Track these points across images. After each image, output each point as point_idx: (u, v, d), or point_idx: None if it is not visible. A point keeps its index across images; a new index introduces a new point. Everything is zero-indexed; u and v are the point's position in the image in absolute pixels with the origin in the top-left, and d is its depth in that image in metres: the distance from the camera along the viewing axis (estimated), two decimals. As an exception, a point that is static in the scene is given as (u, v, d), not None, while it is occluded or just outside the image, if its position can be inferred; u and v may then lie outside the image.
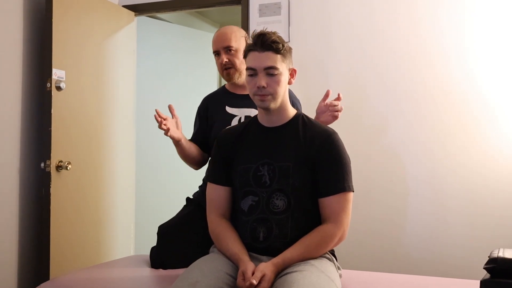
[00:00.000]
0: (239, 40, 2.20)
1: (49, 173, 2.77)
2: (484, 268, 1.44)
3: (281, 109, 1.76)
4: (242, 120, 2.17)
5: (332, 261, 1.73)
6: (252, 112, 2.16)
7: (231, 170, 1.81)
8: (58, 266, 2.77)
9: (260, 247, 1.70)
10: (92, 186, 3.13)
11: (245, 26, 3.25)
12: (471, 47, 2.81)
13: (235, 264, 1.66)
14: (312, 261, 1.63)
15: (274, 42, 1.69)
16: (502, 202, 2.71)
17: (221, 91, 2.32)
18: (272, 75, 1.69)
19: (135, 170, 3.52)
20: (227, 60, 2.19)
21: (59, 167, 2.81)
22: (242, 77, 2.20)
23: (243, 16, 3.28)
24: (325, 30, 3.09)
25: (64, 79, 2.86)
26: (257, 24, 3.20)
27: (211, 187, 1.84)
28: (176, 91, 4.10)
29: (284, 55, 1.72)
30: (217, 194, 1.82)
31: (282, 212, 1.70)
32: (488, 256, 1.46)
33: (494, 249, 1.53)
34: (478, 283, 1.45)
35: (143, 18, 3.84)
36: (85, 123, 3.07)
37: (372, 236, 2.93)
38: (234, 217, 1.80)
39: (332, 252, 1.78)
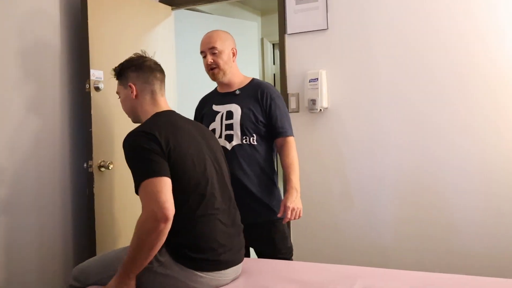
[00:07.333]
0: (224, 43, 2.40)
1: (92, 173, 2.79)
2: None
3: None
4: (224, 115, 2.37)
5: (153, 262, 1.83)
6: (233, 107, 2.37)
7: None
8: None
9: None
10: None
11: (282, 13, 3.14)
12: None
13: None
14: None
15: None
16: None
17: (213, 92, 2.56)
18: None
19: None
20: (211, 61, 2.39)
21: (101, 167, 2.84)
22: (226, 76, 2.41)
23: (279, 4, 3.16)
24: (363, 15, 2.94)
25: (102, 79, 2.86)
26: (294, 12, 3.08)
27: None
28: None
29: (120, 80, 2.07)
30: None
31: None
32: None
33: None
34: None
35: (181, 11, 3.79)
36: (125, 122, 3.03)
37: (421, 236, 2.79)
38: None
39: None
